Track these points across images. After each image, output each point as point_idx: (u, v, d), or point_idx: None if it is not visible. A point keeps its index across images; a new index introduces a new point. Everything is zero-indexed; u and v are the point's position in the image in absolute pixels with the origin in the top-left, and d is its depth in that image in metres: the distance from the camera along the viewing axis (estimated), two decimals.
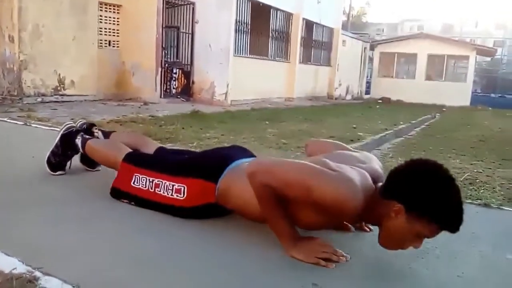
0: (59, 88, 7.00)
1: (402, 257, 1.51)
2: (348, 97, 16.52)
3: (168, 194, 1.78)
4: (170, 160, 1.97)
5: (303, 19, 12.25)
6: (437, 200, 1.30)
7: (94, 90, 7.56)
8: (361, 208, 1.39)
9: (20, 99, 6.38)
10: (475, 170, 3.42)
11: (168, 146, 3.12)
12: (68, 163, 2.32)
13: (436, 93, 16.83)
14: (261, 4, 10.16)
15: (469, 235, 1.77)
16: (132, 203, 1.89)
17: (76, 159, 2.36)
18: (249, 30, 9.91)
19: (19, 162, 2.57)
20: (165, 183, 1.79)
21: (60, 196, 1.99)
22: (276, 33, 11.26)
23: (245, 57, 9.84)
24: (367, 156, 1.70)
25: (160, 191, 1.80)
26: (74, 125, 2.33)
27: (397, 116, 9.08)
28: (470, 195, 2.48)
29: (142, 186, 1.87)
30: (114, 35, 8.22)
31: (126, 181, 1.92)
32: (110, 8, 8.13)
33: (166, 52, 8.63)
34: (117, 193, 1.94)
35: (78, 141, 2.22)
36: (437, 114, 11.04)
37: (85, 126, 2.35)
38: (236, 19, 9.25)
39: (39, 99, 6.64)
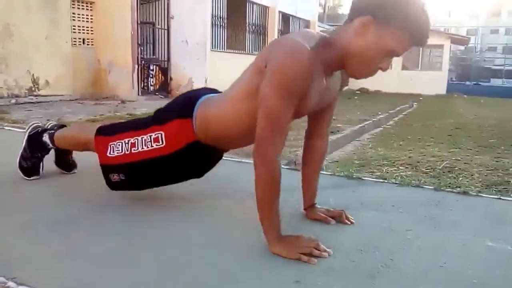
0: (33, 88, 6.84)
1: (384, 248, 1.51)
2: None
3: (147, 147, 1.70)
4: (143, 118, 1.91)
5: (279, 12, 12.24)
6: (407, 6, 1.33)
7: (69, 90, 7.40)
8: (313, 55, 1.36)
9: None
10: (453, 158, 3.47)
11: None
12: (41, 165, 2.22)
13: (412, 83, 17.07)
14: None
15: (450, 224, 1.79)
16: (121, 176, 1.78)
17: (50, 164, 2.30)
18: (225, 24, 9.84)
19: None
20: (141, 138, 1.71)
21: (34, 201, 1.93)
22: (253, 26, 11.22)
23: (223, 51, 9.78)
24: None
25: (137, 149, 1.72)
26: (39, 124, 2.23)
27: (375, 106, 9.17)
28: (450, 183, 2.51)
29: (117, 152, 1.77)
30: (88, 33, 8.06)
31: (104, 155, 1.82)
32: (82, 5, 7.96)
33: (142, 48, 8.51)
34: (106, 170, 1.82)
35: (46, 138, 2.13)
36: (414, 103, 11.19)
37: (56, 128, 2.22)
38: (212, 14, 9.17)
39: (13, 101, 6.47)
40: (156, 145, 1.69)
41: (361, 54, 1.40)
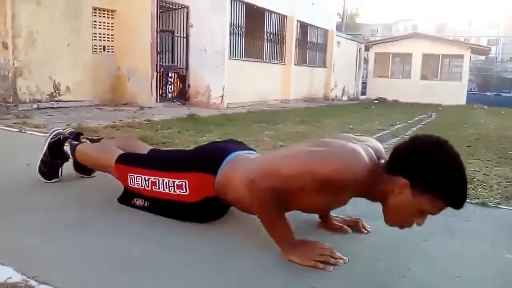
0: (54, 94, 6.98)
1: (400, 258, 1.51)
2: (344, 98, 16.54)
3: (170, 191, 1.74)
4: (165, 157, 1.93)
5: (297, 21, 12.27)
6: (442, 175, 1.32)
7: (89, 96, 7.54)
8: (365, 180, 1.39)
9: (15, 105, 6.35)
10: (472, 169, 3.42)
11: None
12: (60, 170, 2.28)
13: (431, 92, 16.89)
14: (255, 7, 10.17)
15: (467, 235, 1.77)
16: (146, 203, 1.85)
17: (70, 167, 2.34)
18: (243, 33, 9.91)
19: (13, 170, 2.54)
20: (163, 180, 1.76)
21: (54, 204, 1.97)
22: (271, 35, 11.27)
23: (240, 60, 9.84)
24: (367, 138, 1.69)
25: (158, 188, 1.77)
26: (61, 131, 2.28)
27: (393, 116, 9.09)
28: (468, 194, 2.46)
29: (137, 185, 1.84)
30: (108, 40, 8.21)
31: (125, 183, 1.90)
32: (104, 13, 8.12)
33: (161, 56, 8.62)
34: (129, 195, 1.90)
35: (67, 148, 2.18)
36: (433, 113, 11.07)
37: (73, 135, 2.28)
38: (231, 22, 9.25)
39: (35, 106, 6.61)
40: (180, 191, 1.73)
41: (397, 210, 1.43)
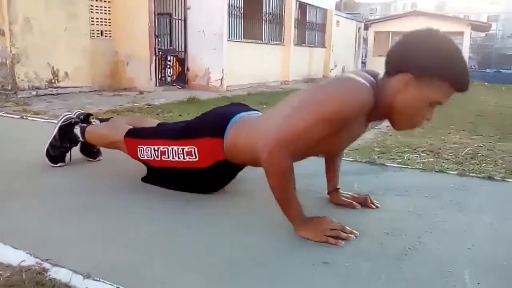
0: (53, 80, 6.93)
1: (411, 231, 1.51)
2: None
3: (180, 158, 1.75)
4: (172, 127, 1.94)
5: (296, 0, 12.12)
6: (442, 56, 1.34)
7: (88, 81, 7.49)
8: (371, 99, 1.38)
9: (15, 93, 6.32)
10: (475, 145, 3.42)
11: None
12: (68, 154, 2.28)
13: None
14: None
15: (476, 208, 1.77)
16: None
17: (76, 152, 2.34)
18: (242, 14, 9.79)
19: (18, 155, 2.54)
20: (172, 148, 1.77)
21: (61, 186, 1.97)
22: (270, 16, 11.14)
23: (239, 41, 9.74)
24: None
25: (167, 157, 1.78)
26: (71, 115, 2.29)
27: None
28: (473, 169, 2.48)
29: (147, 157, 1.85)
30: (106, 25, 8.11)
31: (135, 156, 1.91)
32: None
33: (159, 39, 8.54)
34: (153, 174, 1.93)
35: (77, 130, 2.19)
36: None
37: (82, 116, 2.31)
38: (229, 3, 9.12)
39: (34, 93, 6.57)
40: (189, 158, 1.74)
41: (406, 109, 1.42)
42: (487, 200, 1.90)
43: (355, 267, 1.26)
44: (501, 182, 2.20)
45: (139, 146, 1.88)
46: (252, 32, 10.49)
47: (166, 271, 1.23)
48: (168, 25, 9.06)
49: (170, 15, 9.03)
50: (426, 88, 1.36)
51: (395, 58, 1.41)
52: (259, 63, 10.33)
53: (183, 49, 9.06)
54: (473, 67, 24.15)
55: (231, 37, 9.34)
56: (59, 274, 1.19)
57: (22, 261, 1.24)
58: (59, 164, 2.25)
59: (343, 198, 1.77)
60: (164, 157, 1.80)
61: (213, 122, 1.75)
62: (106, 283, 1.14)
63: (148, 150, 1.85)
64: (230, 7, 9.23)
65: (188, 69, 9.11)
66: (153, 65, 8.17)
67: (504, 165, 2.66)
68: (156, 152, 1.82)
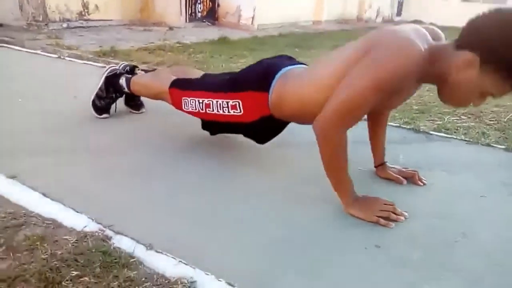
0: (83, 13, 6.84)
1: (460, 216, 1.50)
2: (379, 19, 15.74)
3: (224, 112, 1.74)
4: (217, 79, 1.91)
5: None
6: None
7: (118, 15, 7.36)
8: (426, 65, 1.31)
9: (46, 25, 6.27)
10: None
11: None
12: (113, 106, 2.30)
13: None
14: None
15: None
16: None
17: (121, 102, 2.35)
18: None
19: (61, 103, 2.56)
20: (217, 101, 1.74)
21: (109, 143, 1.99)
22: None
23: None
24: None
25: (212, 110, 1.77)
26: (116, 67, 2.28)
27: None
28: None
29: (192, 109, 1.84)
30: None
31: (179, 107, 1.91)
32: None
33: None
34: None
35: (123, 81, 2.19)
36: None
37: (128, 68, 2.30)
38: None
39: (65, 25, 6.51)
40: (234, 112, 1.71)
41: (458, 88, 1.32)
42: None
43: (408, 253, 1.27)
44: None
45: (183, 98, 1.86)
46: None
47: (226, 248, 1.25)
48: None
49: None
50: (487, 78, 1.25)
51: (473, 32, 1.28)
52: (291, 1, 9.92)
53: None
54: None
55: None
56: (122, 243, 1.23)
57: (85, 226, 1.29)
58: (103, 115, 2.28)
59: (390, 172, 1.76)
60: (208, 110, 1.77)
61: (258, 75, 1.70)
62: (168, 255, 1.18)
63: (192, 102, 1.82)
64: None
65: (218, 5, 8.83)
66: (183, 0, 7.94)
67: None
68: (201, 105, 1.79)
